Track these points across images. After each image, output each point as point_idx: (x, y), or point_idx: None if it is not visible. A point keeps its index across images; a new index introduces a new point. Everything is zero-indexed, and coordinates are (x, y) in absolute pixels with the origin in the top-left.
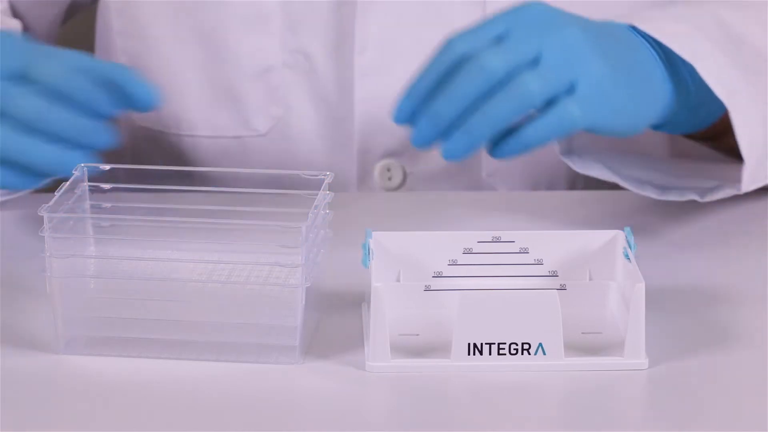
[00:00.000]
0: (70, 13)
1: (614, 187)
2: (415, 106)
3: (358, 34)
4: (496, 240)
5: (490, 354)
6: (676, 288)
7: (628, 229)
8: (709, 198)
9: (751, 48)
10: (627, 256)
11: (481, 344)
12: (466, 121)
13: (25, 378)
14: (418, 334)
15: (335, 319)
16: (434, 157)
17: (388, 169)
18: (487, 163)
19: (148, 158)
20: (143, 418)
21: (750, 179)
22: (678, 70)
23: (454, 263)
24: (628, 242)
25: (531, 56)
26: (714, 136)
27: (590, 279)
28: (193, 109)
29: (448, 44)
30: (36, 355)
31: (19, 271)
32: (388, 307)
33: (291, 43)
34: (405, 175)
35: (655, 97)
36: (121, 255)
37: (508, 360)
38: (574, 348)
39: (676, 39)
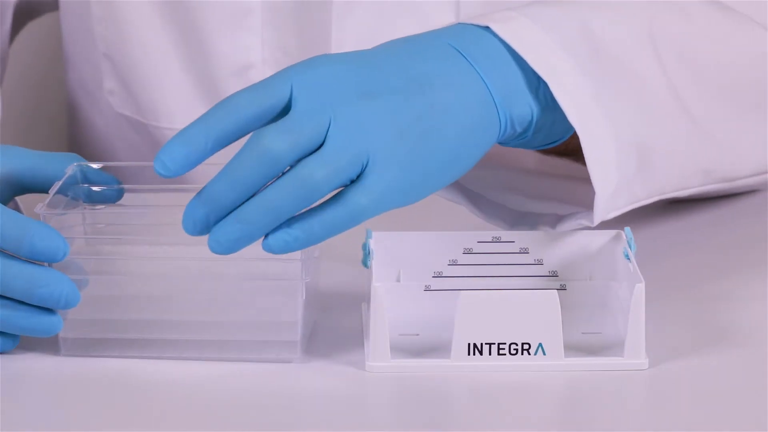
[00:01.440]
0: (20, 20)
1: None
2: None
3: (334, 33)
4: (496, 240)
5: (490, 354)
6: (676, 288)
7: (627, 229)
8: (560, 228)
9: (618, 66)
10: (627, 256)
11: (481, 344)
12: (242, 208)
13: (25, 379)
14: (418, 334)
15: (335, 318)
16: None
17: None
18: None
19: (132, 145)
20: (144, 418)
21: (602, 212)
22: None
23: (454, 263)
24: (628, 242)
25: (318, 137)
26: (570, 152)
27: (590, 279)
28: (172, 102)
29: (230, 106)
30: (36, 357)
31: None
32: (388, 307)
33: (271, 41)
34: None
35: (477, 139)
36: (117, 253)
37: (508, 360)
38: (574, 348)
39: (534, 51)
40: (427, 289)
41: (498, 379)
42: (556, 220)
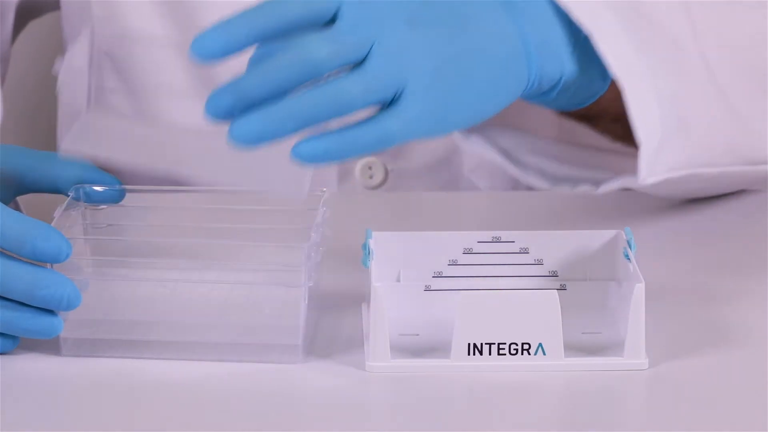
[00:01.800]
0: (22, 19)
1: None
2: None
3: None
4: (496, 240)
5: (490, 354)
6: (676, 288)
7: (628, 229)
8: (604, 189)
9: (657, 29)
10: (627, 256)
11: (481, 344)
12: (271, 106)
13: (27, 379)
14: (418, 334)
15: (335, 319)
16: (416, 155)
17: (369, 167)
18: (468, 159)
19: None
20: (145, 419)
21: (648, 169)
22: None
23: (454, 263)
24: (628, 242)
25: (360, 53)
26: (588, 116)
27: (590, 279)
28: (173, 101)
29: (276, 3)
30: (38, 357)
31: None
32: (388, 307)
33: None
34: (386, 173)
35: (505, 87)
36: (119, 255)
37: (508, 360)
38: (574, 348)
39: (578, 4)
40: (428, 289)
41: (498, 379)
42: (595, 182)
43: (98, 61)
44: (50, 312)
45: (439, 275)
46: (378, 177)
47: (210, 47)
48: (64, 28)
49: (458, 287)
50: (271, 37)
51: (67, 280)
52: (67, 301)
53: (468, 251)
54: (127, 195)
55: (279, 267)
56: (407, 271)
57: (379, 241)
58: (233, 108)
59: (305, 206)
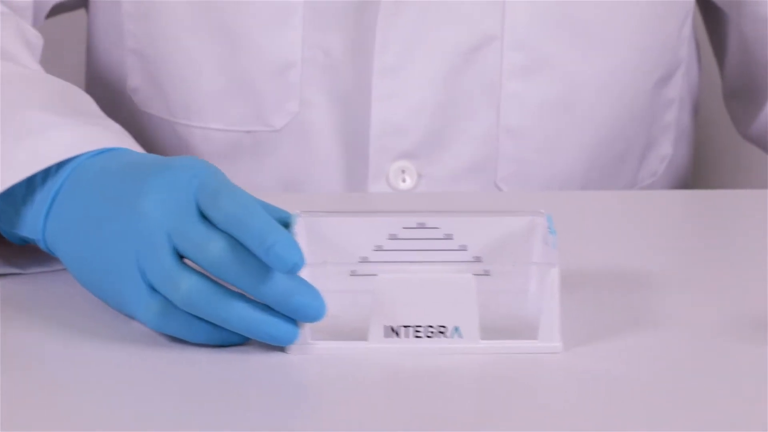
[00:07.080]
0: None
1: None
2: None
3: (379, 33)
4: (421, 226)
5: (407, 337)
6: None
7: (549, 216)
8: None
9: None
10: (548, 242)
11: (398, 327)
12: None
13: (28, 379)
14: (338, 316)
15: None
16: (449, 160)
17: (403, 171)
18: (504, 166)
19: (151, 144)
20: (146, 417)
21: None
22: None
23: (379, 249)
24: (549, 228)
25: None
26: None
27: (514, 264)
28: (206, 100)
29: None
30: (38, 355)
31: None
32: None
33: (312, 39)
34: (419, 178)
35: None
36: None
37: (424, 343)
38: (496, 332)
39: None
40: (353, 274)
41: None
42: None
43: (122, 59)
44: (292, 321)
45: (365, 260)
46: (410, 181)
47: None
48: (90, 26)
49: (383, 272)
50: None
51: (318, 292)
52: (315, 312)
53: (393, 237)
54: None
55: None
56: (333, 256)
57: (305, 226)
58: None
59: None
